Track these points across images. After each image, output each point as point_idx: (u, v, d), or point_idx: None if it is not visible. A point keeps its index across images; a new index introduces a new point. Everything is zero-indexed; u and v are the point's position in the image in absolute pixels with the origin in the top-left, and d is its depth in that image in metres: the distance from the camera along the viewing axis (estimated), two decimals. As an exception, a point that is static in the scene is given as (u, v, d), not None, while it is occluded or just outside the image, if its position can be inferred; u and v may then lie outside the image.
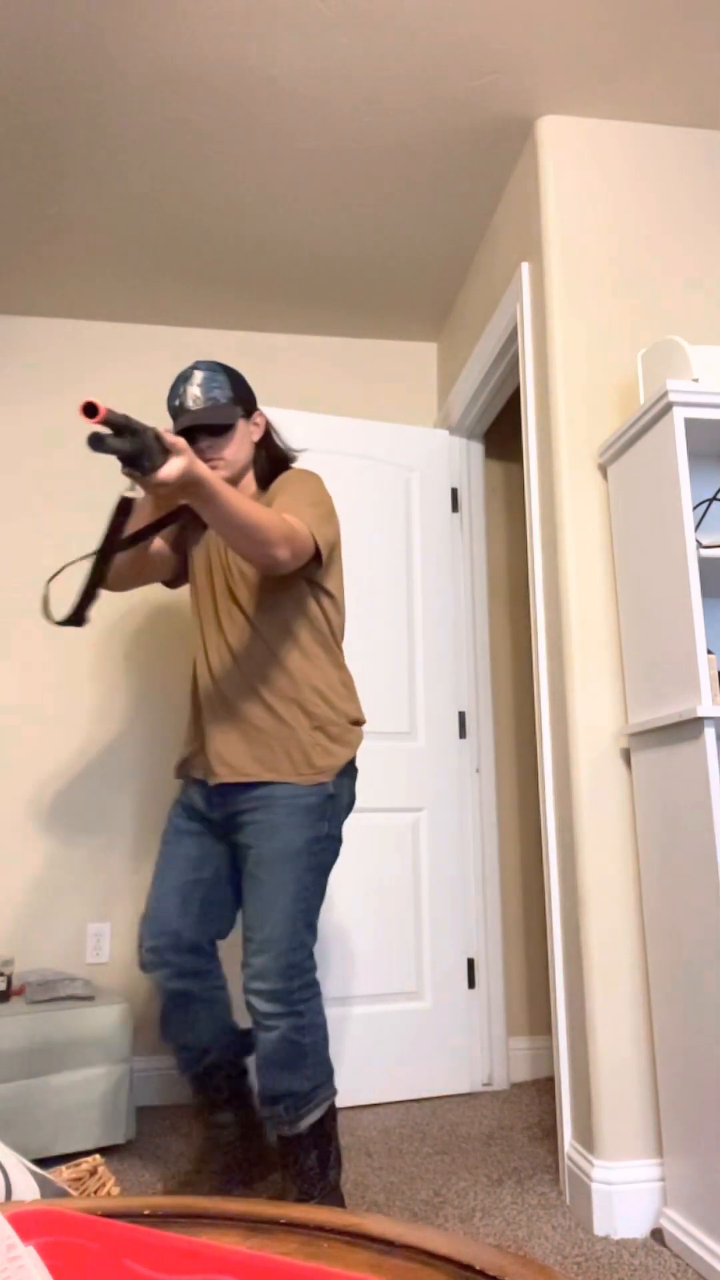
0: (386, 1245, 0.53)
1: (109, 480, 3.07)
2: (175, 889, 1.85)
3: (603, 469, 2.14)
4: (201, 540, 1.96)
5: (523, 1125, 2.41)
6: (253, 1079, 2.32)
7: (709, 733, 1.68)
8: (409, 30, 2.04)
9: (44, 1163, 2.20)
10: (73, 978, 2.40)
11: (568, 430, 2.15)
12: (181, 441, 1.39)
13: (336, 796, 1.81)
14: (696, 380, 1.86)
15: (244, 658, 1.82)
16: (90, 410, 1.27)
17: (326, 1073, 1.78)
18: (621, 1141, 1.84)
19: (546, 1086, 2.78)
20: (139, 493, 1.75)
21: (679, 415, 1.83)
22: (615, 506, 2.07)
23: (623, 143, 2.32)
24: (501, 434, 3.36)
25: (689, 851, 1.72)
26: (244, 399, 1.89)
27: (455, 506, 3.08)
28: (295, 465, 2.11)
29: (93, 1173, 1.04)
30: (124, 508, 1.48)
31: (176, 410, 1.85)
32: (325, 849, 1.80)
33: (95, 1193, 1.03)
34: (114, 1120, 2.22)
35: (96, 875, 2.80)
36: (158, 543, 1.97)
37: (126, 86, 2.18)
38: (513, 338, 2.52)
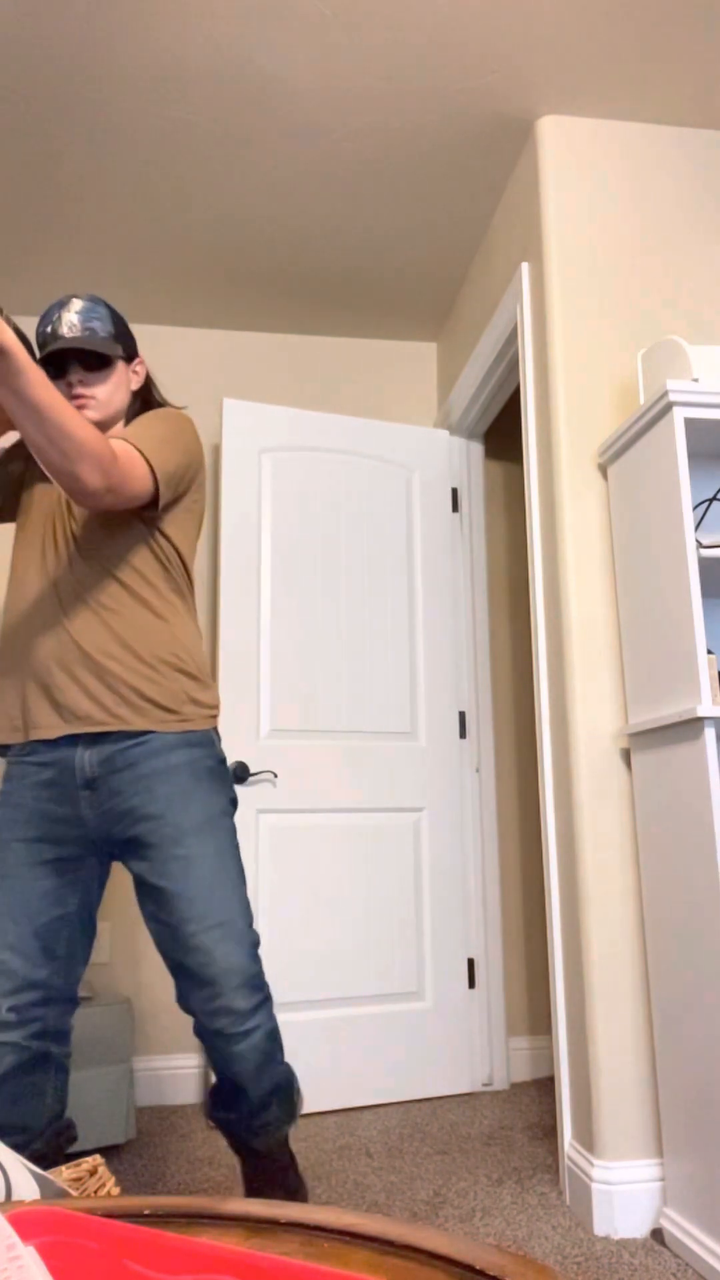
0: (386, 1245, 0.53)
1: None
2: (35, 933, 1.48)
3: (603, 469, 2.14)
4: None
5: (523, 1125, 2.41)
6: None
7: (709, 733, 1.68)
8: (409, 30, 2.04)
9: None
10: (73, 978, 2.40)
11: (568, 430, 2.15)
12: None
13: (225, 759, 1.61)
14: (696, 380, 1.86)
15: (92, 603, 1.54)
16: None
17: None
18: (621, 1141, 1.84)
19: (546, 1086, 2.78)
20: None
21: (679, 415, 1.83)
22: (615, 506, 2.07)
23: (623, 143, 2.32)
24: (501, 434, 3.36)
25: (689, 851, 1.72)
26: (125, 340, 1.67)
27: (455, 506, 3.08)
28: None
29: (93, 1173, 1.04)
30: None
31: (47, 338, 1.59)
32: (234, 814, 1.61)
33: (95, 1193, 1.03)
34: (114, 1120, 2.22)
35: (96, 875, 2.79)
36: None
37: (126, 88, 2.18)
38: (513, 338, 2.52)
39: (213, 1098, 1.58)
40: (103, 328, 1.61)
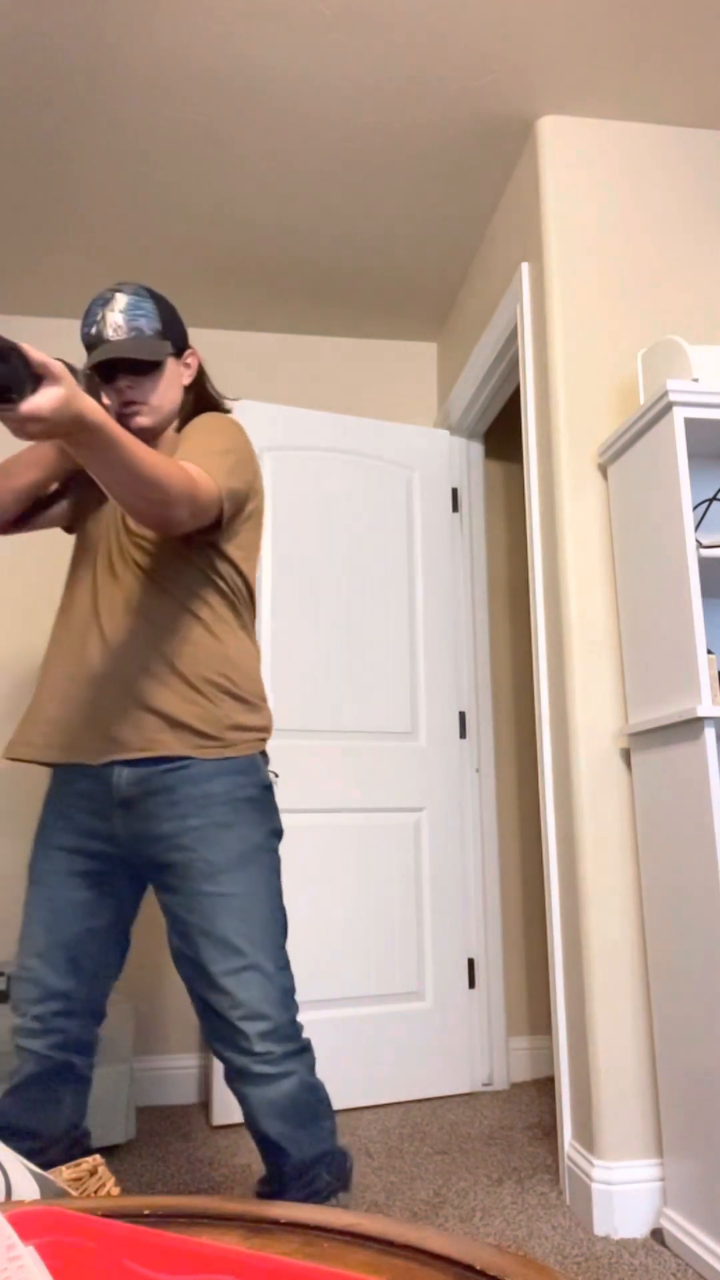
0: (386, 1245, 0.53)
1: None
2: (64, 944, 1.45)
3: (603, 469, 2.14)
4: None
5: (523, 1125, 2.41)
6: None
7: (709, 733, 1.68)
8: (409, 30, 2.04)
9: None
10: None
11: (568, 430, 2.15)
12: (57, 365, 1.06)
13: (270, 787, 1.53)
14: (696, 380, 1.86)
15: (140, 620, 1.49)
16: None
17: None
18: (621, 1141, 1.84)
19: (546, 1086, 2.78)
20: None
21: (679, 415, 1.83)
22: (615, 506, 2.07)
23: (623, 143, 2.32)
24: (501, 434, 3.36)
25: (689, 851, 1.72)
26: (175, 333, 1.57)
27: (455, 506, 3.08)
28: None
29: (93, 1173, 1.04)
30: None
31: (92, 340, 1.51)
32: (278, 845, 1.52)
33: (95, 1193, 1.03)
34: (114, 1120, 2.22)
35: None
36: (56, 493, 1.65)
37: (127, 88, 2.18)
38: (513, 338, 2.52)
39: (260, 1185, 1.45)
40: (149, 324, 1.52)
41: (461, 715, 2.95)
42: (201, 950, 1.40)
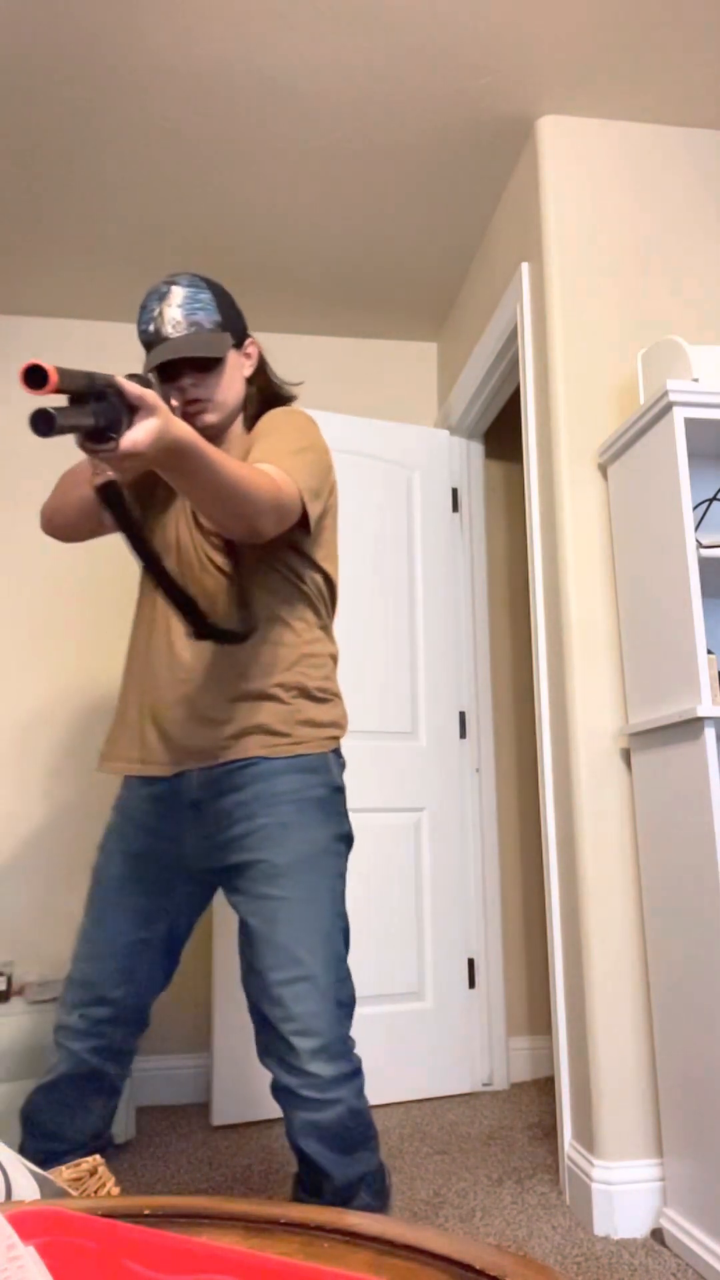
0: (386, 1245, 0.53)
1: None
2: (119, 951, 1.44)
3: (603, 469, 2.14)
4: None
5: (523, 1125, 2.41)
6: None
7: (709, 733, 1.68)
8: (409, 30, 2.04)
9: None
10: (73, 978, 2.40)
11: (568, 430, 2.15)
12: (152, 395, 1.02)
13: (341, 789, 1.49)
14: (696, 380, 1.86)
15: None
16: (35, 377, 0.87)
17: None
18: (621, 1141, 1.84)
19: (546, 1086, 2.78)
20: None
21: (679, 415, 1.83)
22: (615, 506, 2.07)
23: (623, 143, 2.32)
24: (501, 434, 3.36)
25: (689, 851, 1.72)
26: (234, 323, 1.50)
27: (455, 506, 3.08)
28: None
29: (93, 1173, 1.04)
30: (116, 497, 1.10)
31: (151, 337, 1.45)
32: (345, 850, 1.47)
33: (95, 1193, 1.03)
34: (114, 1120, 2.22)
35: (96, 875, 2.80)
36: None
37: (125, 87, 2.18)
38: (513, 338, 2.52)
39: (296, 1182, 1.43)
40: (208, 318, 1.46)
41: (461, 715, 2.95)
42: (261, 956, 1.37)
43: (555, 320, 2.20)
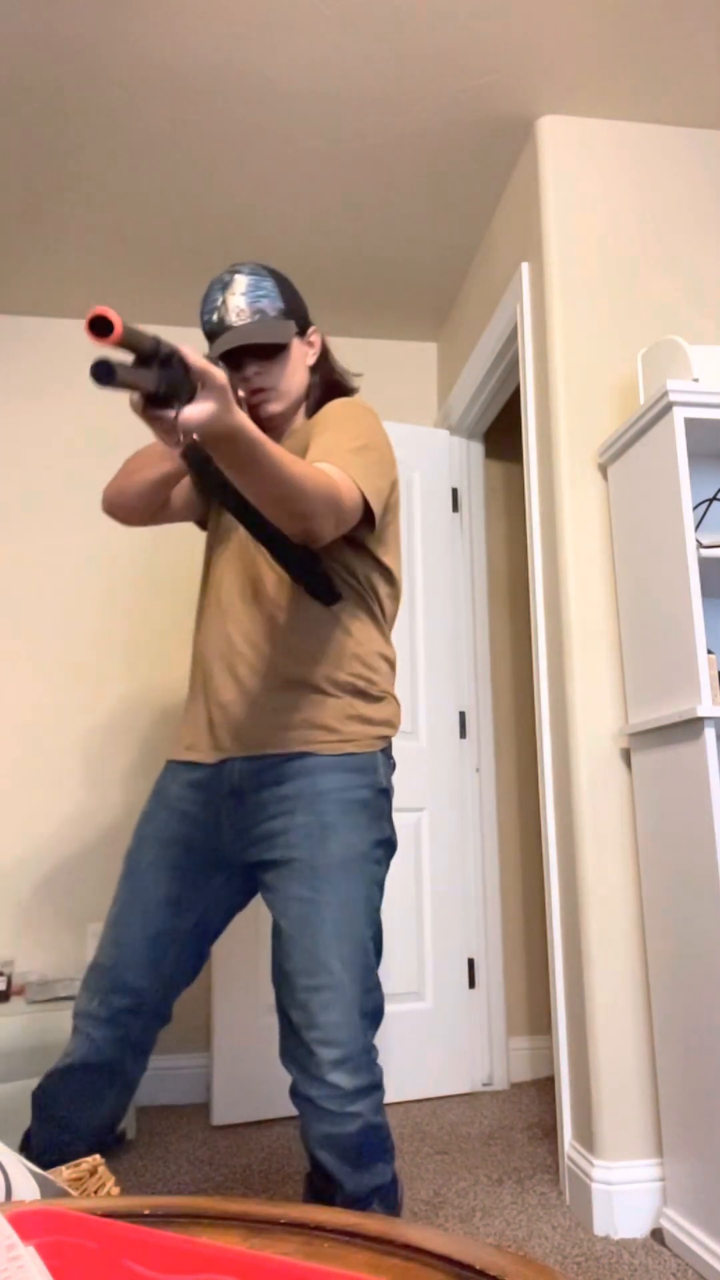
0: (386, 1245, 0.53)
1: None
2: (147, 939, 1.41)
3: (603, 469, 2.14)
4: None
5: (523, 1125, 2.41)
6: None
7: (709, 733, 1.68)
8: (409, 30, 2.04)
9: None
10: (72, 978, 2.40)
11: (568, 430, 2.15)
12: (217, 374, 0.98)
13: (388, 791, 1.45)
14: (696, 380, 1.86)
15: (274, 625, 1.44)
16: (101, 326, 0.87)
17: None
18: (621, 1141, 1.84)
19: (546, 1086, 2.78)
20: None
21: (679, 415, 1.83)
22: (615, 506, 2.07)
23: (623, 143, 2.32)
24: (501, 434, 3.36)
25: (689, 851, 1.72)
26: (297, 312, 1.49)
27: (455, 506, 3.08)
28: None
29: (93, 1173, 1.04)
30: (201, 455, 1.04)
31: (215, 327, 1.43)
32: (385, 859, 1.43)
33: (95, 1193, 1.03)
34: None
35: (96, 875, 2.80)
36: (184, 486, 1.59)
37: (126, 87, 2.18)
38: (513, 338, 2.52)
39: (308, 1184, 1.42)
40: (272, 305, 1.44)
41: (461, 715, 2.95)
42: (290, 958, 1.34)
43: (555, 320, 2.20)
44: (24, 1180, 0.82)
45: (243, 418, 1.06)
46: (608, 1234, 1.78)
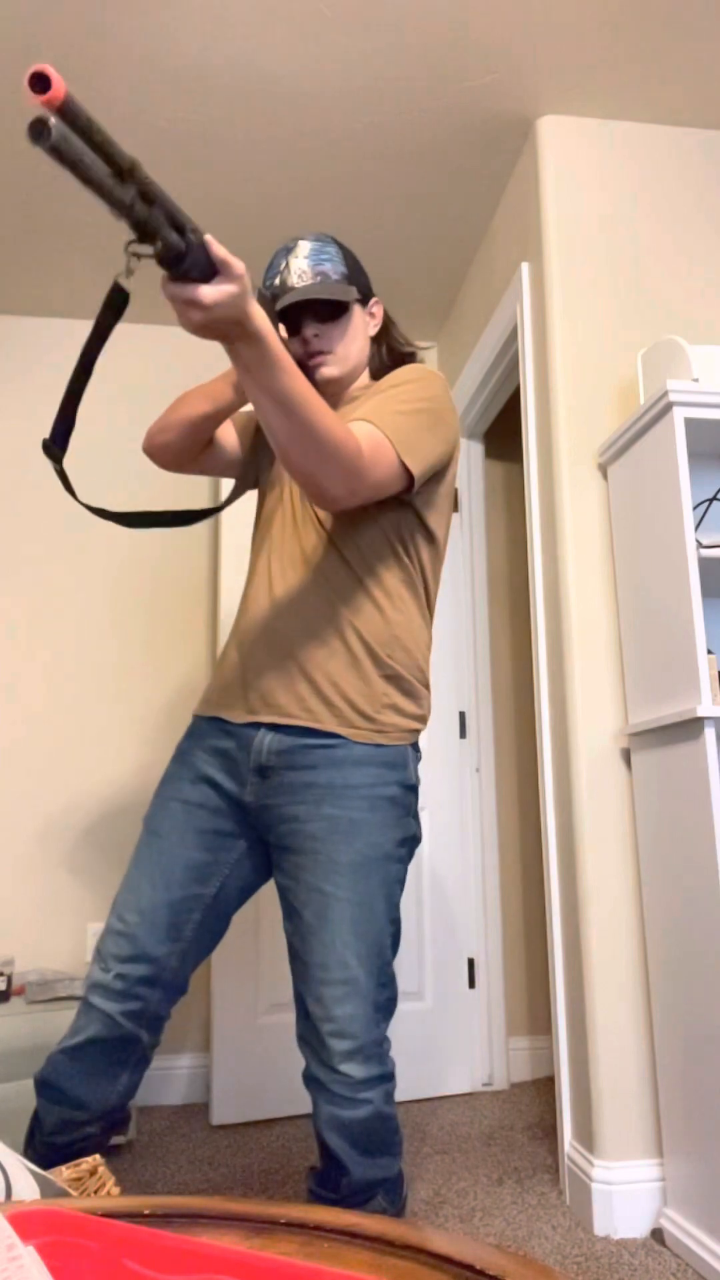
0: (386, 1245, 0.53)
1: (113, 484, 3.06)
2: (167, 904, 1.37)
3: (603, 469, 2.14)
4: None
5: (523, 1125, 2.41)
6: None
7: (709, 733, 1.68)
8: (409, 30, 2.04)
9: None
10: (72, 978, 2.40)
11: (568, 430, 2.15)
12: (239, 265, 0.98)
13: (415, 786, 1.44)
14: (696, 380, 1.86)
15: (312, 580, 1.41)
16: (39, 82, 0.70)
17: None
18: (621, 1141, 1.84)
19: (546, 1086, 2.78)
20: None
21: (679, 415, 1.83)
22: (615, 506, 2.07)
23: (623, 142, 2.32)
24: (501, 434, 3.36)
25: (689, 851, 1.72)
26: (360, 280, 1.49)
27: (455, 506, 3.08)
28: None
29: (93, 1173, 1.04)
30: (116, 302, 1.03)
31: (277, 290, 1.43)
32: (408, 856, 1.42)
33: (95, 1193, 1.03)
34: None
35: (96, 875, 2.80)
36: (231, 435, 1.57)
37: (126, 87, 2.18)
38: (513, 338, 2.52)
39: (313, 1173, 1.41)
40: (334, 269, 1.44)
41: (461, 715, 2.95)
42: (309, 949, 1.33)
43: (555, 320, 2.20)
44: (24, 1180, 0.82)
45: (259, 314, 1.05)
46: (608, 1234, 1.78)
